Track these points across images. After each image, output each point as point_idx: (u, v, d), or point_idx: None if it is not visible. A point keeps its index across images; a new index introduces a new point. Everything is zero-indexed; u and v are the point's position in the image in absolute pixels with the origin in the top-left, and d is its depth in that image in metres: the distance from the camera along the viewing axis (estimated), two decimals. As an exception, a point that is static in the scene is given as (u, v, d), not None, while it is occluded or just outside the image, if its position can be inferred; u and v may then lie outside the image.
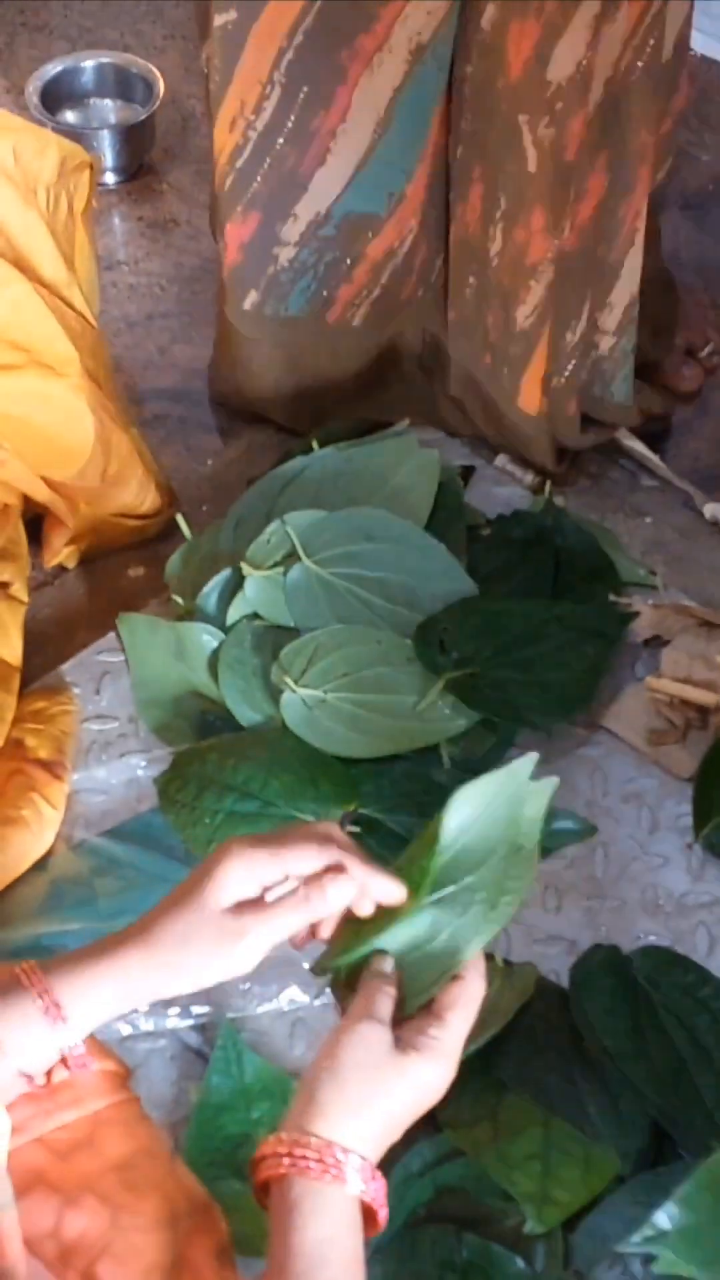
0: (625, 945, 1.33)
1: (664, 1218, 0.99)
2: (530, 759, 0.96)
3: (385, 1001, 0.90)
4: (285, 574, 1.48)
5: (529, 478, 1.69)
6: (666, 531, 1.68)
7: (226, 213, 1.57)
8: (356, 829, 1.38)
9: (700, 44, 2.21)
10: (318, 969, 0.96)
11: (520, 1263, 1.10)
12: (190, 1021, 1.29)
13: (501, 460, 1.70)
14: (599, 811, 1.44)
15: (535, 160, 1.43)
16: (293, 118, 1.48)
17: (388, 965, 0.93)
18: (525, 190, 1.46)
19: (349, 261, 1.59)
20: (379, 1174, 0.86)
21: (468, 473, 1.68)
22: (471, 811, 0.94)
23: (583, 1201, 1.12)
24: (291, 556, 1.49)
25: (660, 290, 1.75)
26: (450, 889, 0.93)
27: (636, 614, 1.52)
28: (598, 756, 1.48)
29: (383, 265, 1.60)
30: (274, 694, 1.44)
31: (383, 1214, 0.87)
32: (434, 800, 1.39)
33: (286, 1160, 0.85)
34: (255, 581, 1.49)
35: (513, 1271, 1.09)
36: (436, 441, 1.68)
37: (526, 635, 1.46)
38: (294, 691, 1.43)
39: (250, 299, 1.63)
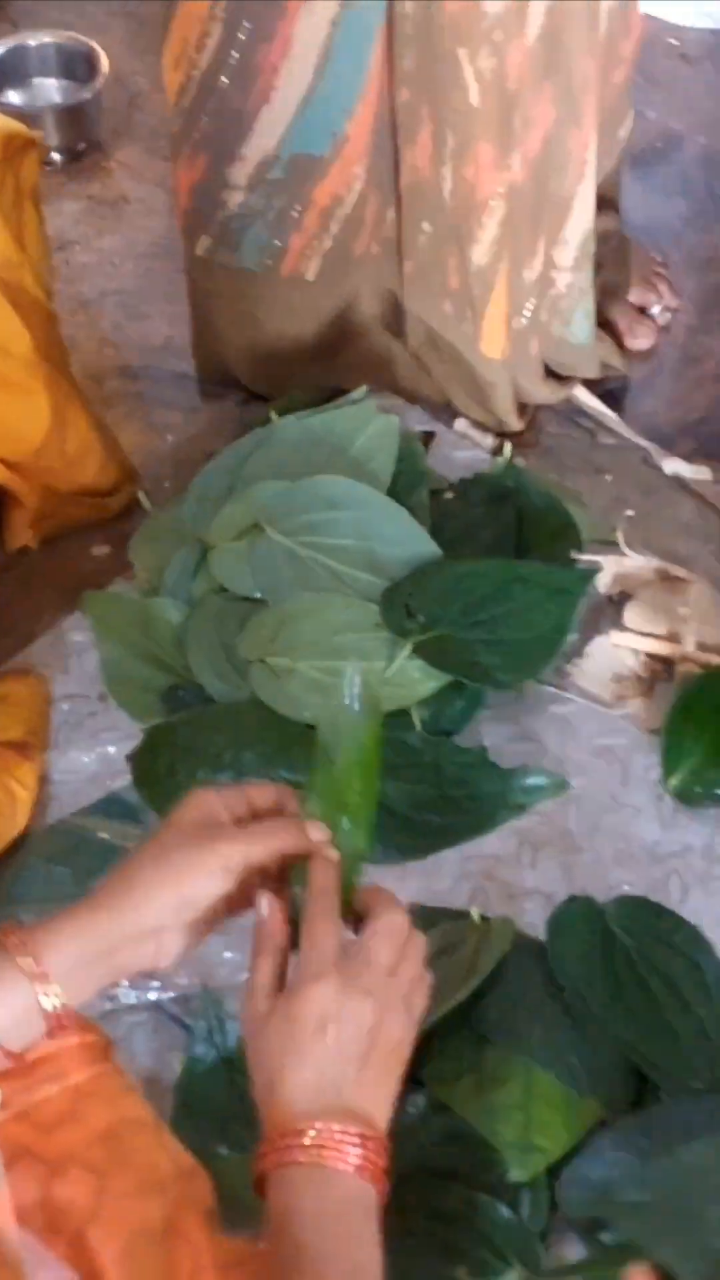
0: (600, 896, 1.34)
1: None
2: None
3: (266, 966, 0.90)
4: (249, 545, 1.48)
5: (489, 440, 1.69)
6: (627, 489, 1.69)
7: (176, 154, 1.58)
8: (330, 795, 1.39)
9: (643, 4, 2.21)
10: None
11: (506, 1211, 1.11)
12: (171, 994, 1.30)
13: (461, 424, 1.71)
14: (570, 767, 1.45)
15: (478, 93, 1.43)
16: (235, 54, 1.48)
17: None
18: (471, 125, 1.45)
19: (298, 208, 1.58)
20: (369, 1139, 0.85)
21: (428, 438, 1.69)
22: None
23: (566, 1148, 1.14)
24: (255, 528, 1.49)
25: (615, 250, 1.76)
26: None
27: (599, 570, 1.53)
28: (567, 713, 1.49)
29: (330, 212, 1.59)
30: (242, 666, 1.44)
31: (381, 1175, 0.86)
32: (406, 763, 1.42)
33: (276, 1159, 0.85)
34: (219, 554, 1.49)
35: (499, 1220, 1.10)
36: (396, 408, 1.68)
37: (492, 596, 1.47)
38: (262, 662, 1.43)
39: (203, 244, 1.64)
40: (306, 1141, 0.84)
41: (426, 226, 1.58)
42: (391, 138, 1.55)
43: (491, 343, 1.60)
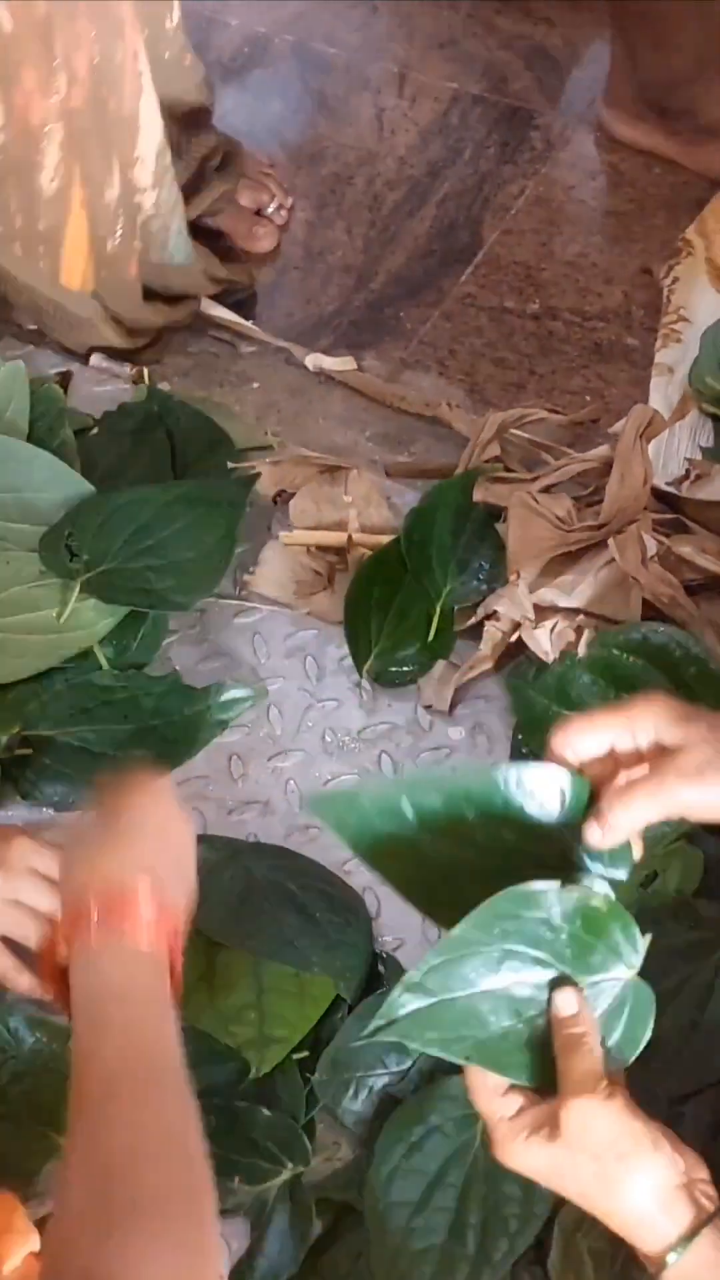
0: (315, 791, 1.34)
1: (398, 1005, 0.96)
2: None
3: None
4: None
5: (127, 370, 1.66)
6: (275, 392, 1.68)
7: None
8: (29, 750, 1.36)
9: None
10: None
11: (265, 1112, 1.11)
12: None
13: (97, 359, 1.68)
14: (265, 673, 1.45)
15: (8, 17, 1.39)
16: None
17: None
18: (10, 52, 1.41)
19: None
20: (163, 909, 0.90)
21: (65, 378, 1.65)
22: None
23: (304, 1031, 1.14)
24: None
25: (210, 159, 1.75)
26: None
27: (258, 475, 1.52)
28: (254, 622, 1.48)
29: None
30: None
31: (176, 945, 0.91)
32: (99, 703, 1.40)
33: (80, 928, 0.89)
34: None
35: (260, 1122, 1.10)
36: (25, 355, 1.64)
37: (154, 521, 1.45)
38: (-67, 634, 1.39)
39: None
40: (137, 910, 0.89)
41: None
42: None
43: (72, 274, 1.57)
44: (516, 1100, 0.86)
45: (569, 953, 0.87)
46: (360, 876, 1.31)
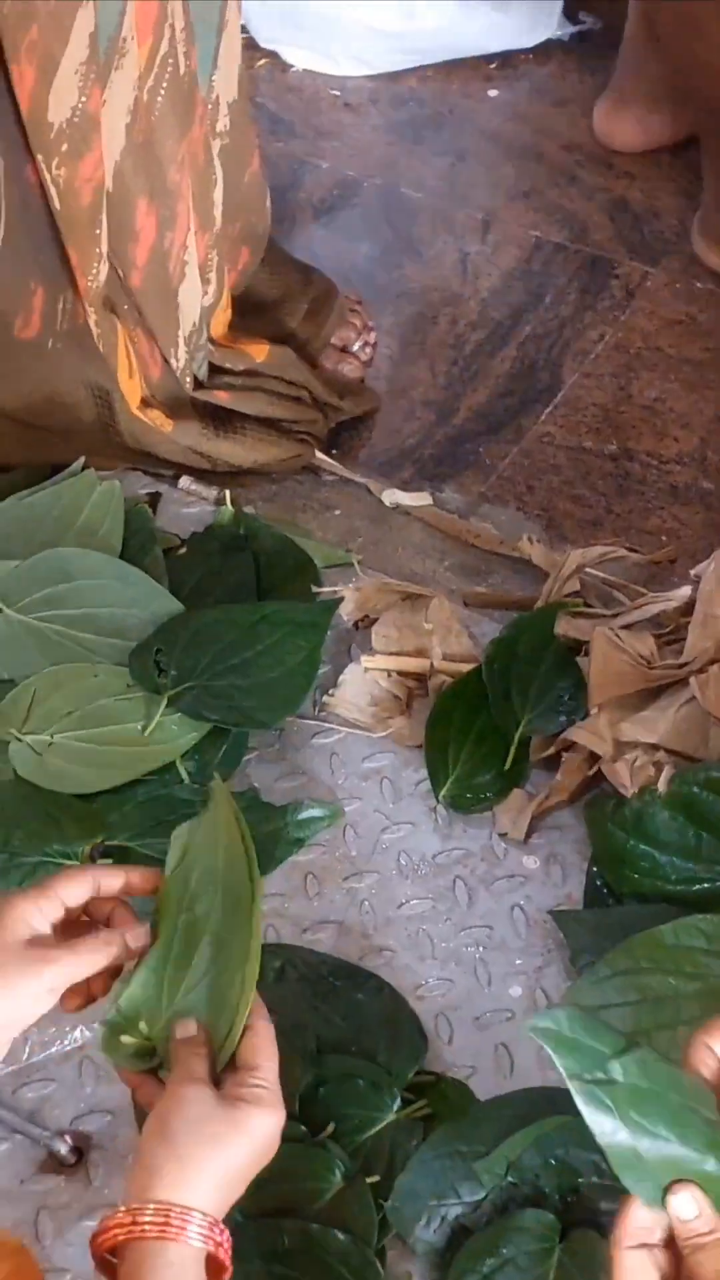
0: (389, 914, 1.36)
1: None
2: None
3: (199, 1063, 0.94)
4: (-12, 629, 1.47)
5: (213, 493, 1.71)
6: (356, 520, 1.72)
7: None
8: (108, 860, 1.38)
9: (300, 59, 2.29)
10: (108, 1046, 0.99)
11: (341, 1236, 1.10)
12: None
13: (185, 482, 1.72)
14: (342, 794, 1.46)
15: (57, 200, 1.47)
16: None
17: (191, 1028, 0.96)
18: (60, 231, 1.50)
19: None
20: (223, 1228, 0.89)
21: (154, 499, 1.70)
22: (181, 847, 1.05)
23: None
24: (-9, 610, 1.48)
25: (305, 295, 1.81)
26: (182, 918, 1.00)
27: (341, 599, 1.56)
28: (332, 743, 1.51)
29: None
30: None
31: (228, 1268, 0.89)
32: (181, 818, 1.40)
33: (128, 1229, 0.86)
34: (-43, 643, 1.47)
35: (335, 1247, 1.10)
36: (117, 475, 1.69)
37: (239, 640, 1.48)
38: (20, 740, 1.42)
39: None
40: (195, 1225, 0.87)
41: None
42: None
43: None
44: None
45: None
46: (432, 1002, 1.32)
